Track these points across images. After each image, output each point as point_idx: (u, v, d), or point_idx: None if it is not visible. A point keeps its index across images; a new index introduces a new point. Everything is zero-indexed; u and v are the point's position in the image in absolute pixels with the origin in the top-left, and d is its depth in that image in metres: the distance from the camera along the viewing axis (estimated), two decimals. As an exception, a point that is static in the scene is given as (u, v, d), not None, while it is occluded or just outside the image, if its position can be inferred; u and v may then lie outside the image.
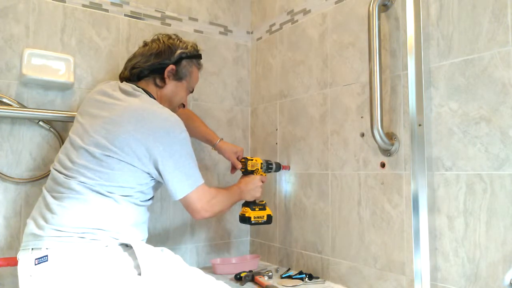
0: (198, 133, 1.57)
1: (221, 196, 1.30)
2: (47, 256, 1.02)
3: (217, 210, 1.27)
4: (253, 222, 1.47)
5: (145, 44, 1.34)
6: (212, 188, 1.28)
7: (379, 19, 1.25)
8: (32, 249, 1.04)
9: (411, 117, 1.17)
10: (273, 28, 1.82)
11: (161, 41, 1.31)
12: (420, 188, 1.15)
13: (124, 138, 1.12)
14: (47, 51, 1.41)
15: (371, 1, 1.26)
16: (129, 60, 1.33)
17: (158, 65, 1.28)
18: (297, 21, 1.69)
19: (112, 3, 1.59)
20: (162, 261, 1.11)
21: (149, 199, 1.23)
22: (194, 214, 1.23)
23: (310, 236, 1.57)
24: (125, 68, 1.33)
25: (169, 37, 1.34)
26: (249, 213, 1.47)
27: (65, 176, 1.12)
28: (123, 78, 1.33)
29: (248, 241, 1.91)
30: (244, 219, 1.48)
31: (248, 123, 1.94)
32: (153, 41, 1.33)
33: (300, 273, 1.51)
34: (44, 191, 1.14)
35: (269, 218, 1.51)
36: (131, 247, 1.09)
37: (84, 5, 1.52)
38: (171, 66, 1.29)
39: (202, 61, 1.41)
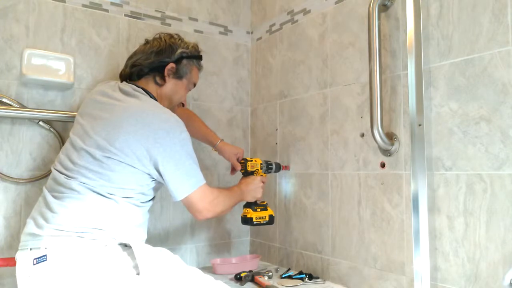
0: (198, 133, 1.57)
1: (223, 196, 1.29)
2: (46, 255, 1.02)
3: (219, 210, 1.27)
4: (255, 223, 1.47)
5: (147, 42, 1.34)
6: (214, 188, 1.27)
7: (379, 19, 1.25)
8: (31, 248, 1.04)
9: (411, 117, 1.17)
10: (273, 28, 1.82)
11: (163, 39, 1.32)
12: (420, 188, 1.15)
13: (124, 140, 1.12)
14: (47, 51, 1.41)
15: (371, 1, 1.26)
16: (130, 57, 1.33)
17: (158, 63, 1.28)
18: (297, 21, 1.69)
19: (112, 3, 1.59)
20: (161, 261, 1.10)
21: (149, 200, 1.23)
22: (196, 215, 1.23)
23: (310, 236, 1.57)
24: (125, 65, 1.33)
25: (171, 36, 1.34)
26: (251, 214, 1.46)
27: (66, 177, 1.12)
28: (123, 76, 1.33)
29: (248, 241, 1.91)
30: (246, 220, 1.48)
31: (248, 123, 1.94)
32: (154, 39, 1.33)
33: (300, 273, 1.51)
34: (45, 191, 1.14)
35: (271, 218, 1.51)
36: (130, 247, 1.09)
37: (84, 5, 1.52)
38: (171, 65, 1.29)
39: (202, 61, 1.41)
